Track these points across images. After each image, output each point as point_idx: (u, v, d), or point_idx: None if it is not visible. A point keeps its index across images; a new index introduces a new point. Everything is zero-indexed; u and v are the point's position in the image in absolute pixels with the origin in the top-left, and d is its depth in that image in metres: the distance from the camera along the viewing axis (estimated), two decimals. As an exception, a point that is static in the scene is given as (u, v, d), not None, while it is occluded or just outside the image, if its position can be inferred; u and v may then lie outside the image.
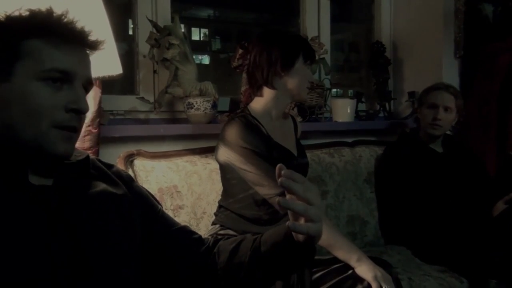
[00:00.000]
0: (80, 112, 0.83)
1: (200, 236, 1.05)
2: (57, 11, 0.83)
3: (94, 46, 0.86)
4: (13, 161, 0.80)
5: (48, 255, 0.77)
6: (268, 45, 1.53)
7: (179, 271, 0.99)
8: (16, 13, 0.82)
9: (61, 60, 0.81)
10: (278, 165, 0.79)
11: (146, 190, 1.06)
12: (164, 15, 2.04)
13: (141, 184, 1.18)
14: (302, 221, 0.79)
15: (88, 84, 0.87)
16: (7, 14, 0.82)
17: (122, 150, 1.70)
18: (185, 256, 0.99)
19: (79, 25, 0.84)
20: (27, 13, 0.82)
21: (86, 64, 0.86)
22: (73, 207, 0.84)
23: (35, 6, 0.84)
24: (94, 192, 0.88)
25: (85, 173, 0.90)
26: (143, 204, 1.00)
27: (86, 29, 0.85)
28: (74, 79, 0.83)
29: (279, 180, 0.77)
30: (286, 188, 0.77)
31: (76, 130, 0.84)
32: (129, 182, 0.99)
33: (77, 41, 0.84)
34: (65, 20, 0.82)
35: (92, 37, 0.85)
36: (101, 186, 0.91)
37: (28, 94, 0.79)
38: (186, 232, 1.04)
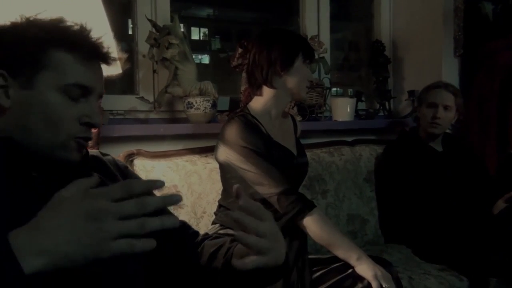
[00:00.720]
0: (93, 126, 0.88)
1: (196, 232, 1.07)
2: (88, 27, 0.86)
3: (110, 63, 0.91)
4: (19, 158, 0.82)
5: None
6: (268, 44, 1.53)
7: (173, 263, 1.00)
8: (46, 19, 0.84)
9: (84, 76, 0.85)
10: (236, 187, 0.79)
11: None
12: (164, 14, 2.04)
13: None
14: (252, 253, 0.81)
15: (99, 98, 0.92)
16: (37, 18, 0.84)
17: (122, 150, 1.70)
18: (177, 246, 1.01)
19: (102, 42, 0.88)
20: (59, 22, 0.85)
21: (102, 80, 0.91)
22: None
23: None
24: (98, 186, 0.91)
25: (83, 169, 0.91)
26: None
27: (106, 45, 0.88)
28: (91, 94, 0.87)
29: (233, 214, 0.79)
30: (238, 223, 0.78)
31: (88, 140, 0.89)
32: (124, 171, 1.02)
33: (100, 58, 0.88)
34: (92, 37, 0.86)
35: (111, 55, 0.90)
36: (99, 181, 0.92)
37: (49, 104, 0.82)
38: (180, 226, 1.06)
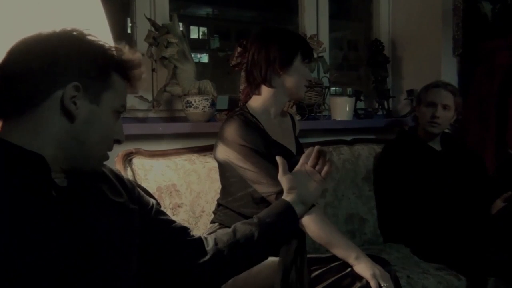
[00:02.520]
0: (120, 142, 0.95)
1: (197, 239, 1.10)
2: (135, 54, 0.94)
3: (135, 86, 0.97)
4: (39, 165, 0.83)
5: (56, 253, 0.80)
6: (267, 43, 1.53)
7: (170, 267, 1.05)
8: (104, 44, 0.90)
9: (125, 97, 0.94)
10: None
11: (144, 192, 1.10)
12: (163, 13, 2.04)
13: (140, 183, 1.19)
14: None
15: None
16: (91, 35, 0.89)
17: (121, 149, 1.70)
18: (175, 250, 1.05)
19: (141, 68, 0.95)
20: (116, 48, 0.91)
21: None
22: (83, 209, 0.88)
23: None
24: (97, 197, 0.94)
25: (92, 179, 0.94)
26: (143, 214, 1.04)
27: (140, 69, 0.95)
28: (122, 113, 0.95)
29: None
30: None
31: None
32: (131, 190, 1.03)
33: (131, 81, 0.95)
34: (135, 63, 0.93)
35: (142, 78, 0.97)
36: (103, 192, 0.95)
37: (106, 122, 0.90)
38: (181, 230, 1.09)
